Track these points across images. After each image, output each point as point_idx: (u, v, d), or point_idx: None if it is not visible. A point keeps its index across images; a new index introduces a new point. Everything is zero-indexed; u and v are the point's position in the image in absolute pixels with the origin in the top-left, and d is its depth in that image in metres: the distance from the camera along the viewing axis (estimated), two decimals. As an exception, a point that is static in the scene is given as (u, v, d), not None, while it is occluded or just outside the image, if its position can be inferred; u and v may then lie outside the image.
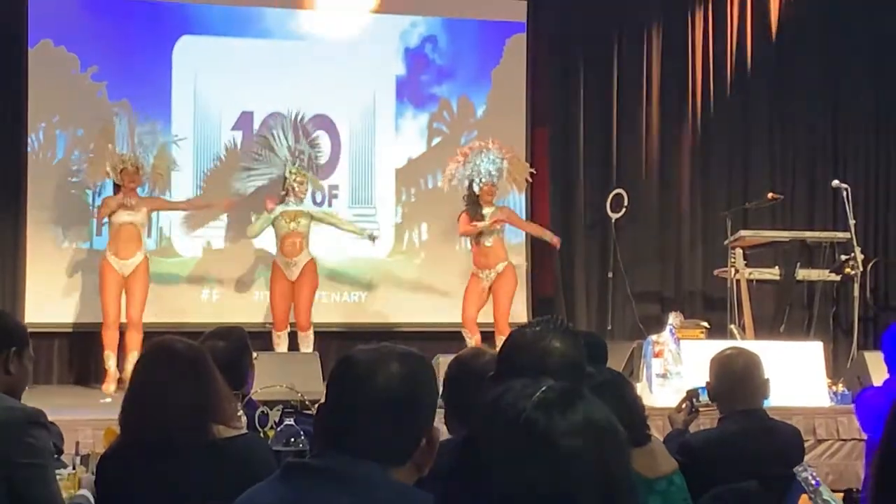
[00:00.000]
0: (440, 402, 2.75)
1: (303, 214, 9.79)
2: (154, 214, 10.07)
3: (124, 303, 9.48)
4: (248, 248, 10.73)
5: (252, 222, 10.16)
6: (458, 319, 9.97)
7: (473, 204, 9.94)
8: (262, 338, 9.66)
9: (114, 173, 9.59)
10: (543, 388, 1.62)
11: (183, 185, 10.57)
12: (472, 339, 9.66)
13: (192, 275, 10.72)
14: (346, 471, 2.23)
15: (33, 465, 3.32)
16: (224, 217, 10.73)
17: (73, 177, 10.52)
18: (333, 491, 2.22)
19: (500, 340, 9.26)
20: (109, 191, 9.93)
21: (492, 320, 9.96)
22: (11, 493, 3.27)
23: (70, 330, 10.41)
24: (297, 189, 9.83)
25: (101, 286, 9.49)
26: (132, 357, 8.81)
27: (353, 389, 2.30)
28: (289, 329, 9.81)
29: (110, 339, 9.39)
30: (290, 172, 9.92)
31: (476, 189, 9.92)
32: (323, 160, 10.94)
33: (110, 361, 9.37)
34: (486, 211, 9.92)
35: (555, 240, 10.40)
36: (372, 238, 10.06)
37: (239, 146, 10.86)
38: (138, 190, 9.65)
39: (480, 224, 9.85)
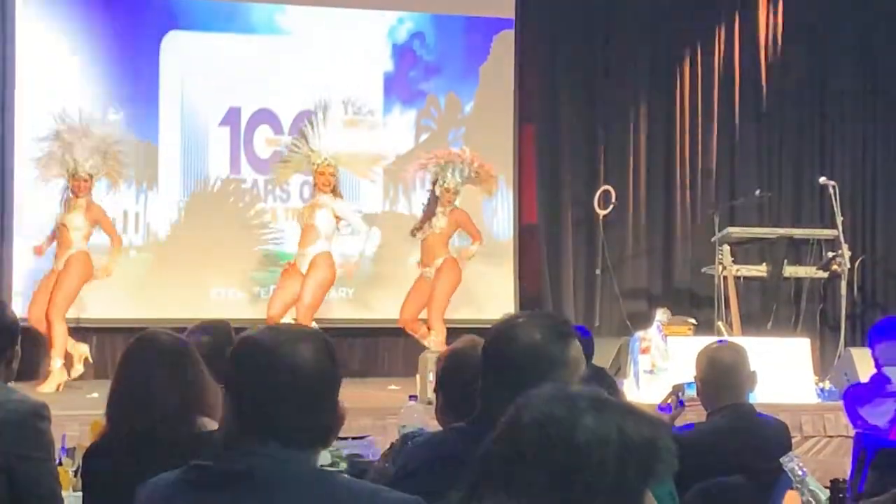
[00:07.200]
0: (432, 395, 2.71)
1: (321, 207, 9.59)
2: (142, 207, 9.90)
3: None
4: (235, 246, 10.74)
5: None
6: (448, 315, 9.85)
7: (432, 203, 9.80)
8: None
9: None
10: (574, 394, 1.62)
11: (171, 181, 10.59)
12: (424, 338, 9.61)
13: (176, 270, 10.69)
14: (274, 469, 2.12)
15: (38, 457, 3.30)
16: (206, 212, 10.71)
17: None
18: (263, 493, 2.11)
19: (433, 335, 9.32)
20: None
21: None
22: (13, 483, 3.24)
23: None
24: (317, 181, 9.58)
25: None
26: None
27: (265, 372, 2.17)
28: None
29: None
30: (314, 163, 9.59)
31: (437, 191, 9.79)
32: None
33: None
34: (439, 210, 9.77)
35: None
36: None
37: (228, 142, 10.83)
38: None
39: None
